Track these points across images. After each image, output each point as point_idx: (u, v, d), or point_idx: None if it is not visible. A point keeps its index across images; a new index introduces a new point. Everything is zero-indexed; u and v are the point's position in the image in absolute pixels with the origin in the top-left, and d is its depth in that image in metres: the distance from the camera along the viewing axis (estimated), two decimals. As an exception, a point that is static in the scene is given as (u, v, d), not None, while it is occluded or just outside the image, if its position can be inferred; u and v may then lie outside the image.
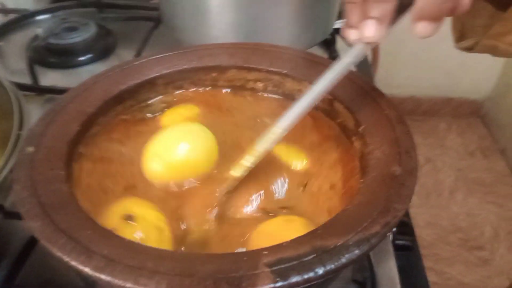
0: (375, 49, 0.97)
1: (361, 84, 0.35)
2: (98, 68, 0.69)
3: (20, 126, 0.37)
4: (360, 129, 0.32)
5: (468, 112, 1.93)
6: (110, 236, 0.23)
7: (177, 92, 0.40)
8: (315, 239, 0.23)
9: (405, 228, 0.45)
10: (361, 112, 0.33)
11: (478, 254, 1.38)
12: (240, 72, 0.40)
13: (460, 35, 0.44)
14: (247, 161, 0.31)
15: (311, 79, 0.37)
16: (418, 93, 1.89)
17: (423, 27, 0.28)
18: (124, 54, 0.71)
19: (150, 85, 0.39)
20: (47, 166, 0.28)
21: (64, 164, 0.29)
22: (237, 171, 0.31)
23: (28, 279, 0.38)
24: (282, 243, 0.23)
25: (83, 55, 0.68)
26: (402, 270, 0.44)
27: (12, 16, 0.76)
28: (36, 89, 0.60)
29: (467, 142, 1.83)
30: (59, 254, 0.22)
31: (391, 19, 0.30)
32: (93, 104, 0.34)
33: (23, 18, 0.76)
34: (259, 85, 0.41)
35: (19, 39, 0.73)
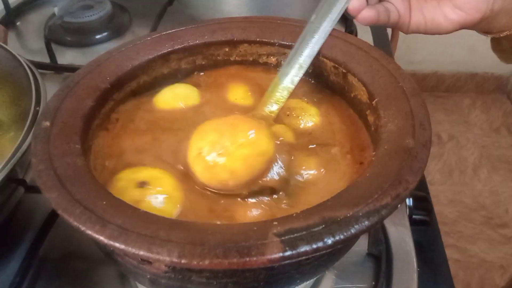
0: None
1: (376, 57, 0.34)
2: (114, 46, 0.69)
3: (38, 103, 0.38)
4: (374, 102, 0.31)
5: (492, 88, 1.87)
6: (124, 206, 0.24)
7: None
8: (325, 210, 0.23)
9: (423, 203, 0.44)
10: (375, 84, 0.32)
11: (502, 231, 1.37)
12: (252, 47, 0.40)
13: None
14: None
15: (324, 53, 0.37)
16: (441, 69, 1.84)
17: None
18: (139, 32, 0.71)
19: (163, 61, 0.39)
20: (63, 140, 0.28)
21: (79, 138, 0.29)
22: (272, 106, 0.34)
23: (51, 251, 0.39)
24: (292, 214, 0.23)
25: (99, 33, 0.69)
26: (419, 245, 0.44)
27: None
28: (54, 68, 0.61)
29: (492, 118, 1.78)
30: (75, 223, 0.23)
31: None
32: (107, 79, 0.34)
33: (41, -4, 0.76)
34: (272, 59, 0.40)
35: (36, 19, 0.74)
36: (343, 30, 0.67)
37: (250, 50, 0.40)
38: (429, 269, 0.43)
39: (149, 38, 0.39)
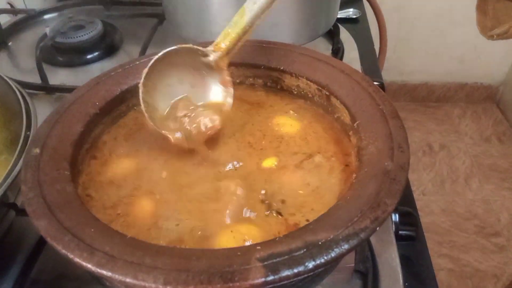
0: (382, 38, 0.96)
1: (357, 80, 0.35)
2: (106, 65, 0.70)
3: (28, 127, 0.38)
4: (355, 124, 0.33)
5: (482, 98, 1.90)
6: (111, 233, 0.25)
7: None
8: (306, 234, 0.24)
9: (409, 218, 0.45)
10: (356, 107, 0.33)
11: (494, 240, 1.38)
12: (239, 69, 0.41)
13: (493, 24, 0.44)
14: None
15: (308, 75, 0.38)
16: (431, 80, 1.87)
17: None
18: (131, 51, 0.72)
19: (151, 84, 0.40)
20: (53, 167, 0.29)
21: (69, 164, 0.30)
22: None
23: (43, 273, 0.40)
24: (275, 239, 0.24)
25: (91, 53, 0.70)
26: (407, 259, 0.44)
27: (20, 16, 0.77)
28: (45, 88, 0.62)
29: (482, 127, 1.81)
30: (63, 251, 0.23)
31: None
32: (96, 105, 0.35)
33: (31, 18, 0.77)
34: (258, 81, 0.41)
35: (28, 39, 0.75)
36: (330, 46, 0.69)
37: (237, 73, 0.41)
38: (417, 283, 0.44)
39: (137, 62, 0.40)
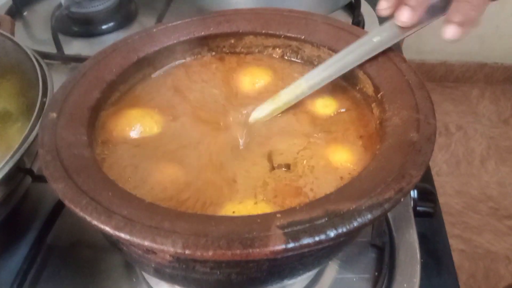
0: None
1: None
2: (121, 36, 0.69)
3: (45, 94, 0.38)
4: (379, 95, 0.31)
5: (502, 78, 1.85)
6: (129, 197, 0.24)
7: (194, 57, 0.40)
8: (328, 204, 0.23)
9: (427, 195, 0.44)
10: (380, 77, 0.32)
11: (508, 223, 1.36)
12: (258, 38, 0.40)
13: None
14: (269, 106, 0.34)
15: (330, 45, 0.37)
16: (450, 59, 1.82)
17: (452, 30, 0.31)
18: (146, 21, 0.71)
19: (168, 52, 0.39)
20: (70, 131, 0.29)
21: (86, 129, 0.30)
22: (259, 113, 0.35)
23: (59, 239, 0.40)
24: (295, 207, 0.23)
25: (106, 23, 0.69)
26: (423, 236, 0.44)
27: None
28: (61, 58, 0.62)
29: (501, 109, 1.77)
30: (81, 214, 0.23)
31: (423, 13, 0.33)
32: (113, 71, 0.35)
33: (47, -13, 0.76)
34: (277, 51, 0.40)
35: (43, 9, 0.74)
36: (350, 20, 0.67)
37: (255, 42, 0.40)
38: (433, 260, 0.43)
39: (154, 30, 0.39)
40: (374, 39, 0.34)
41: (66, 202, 0.24)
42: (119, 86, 0.36)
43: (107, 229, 0.22)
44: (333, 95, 0.36)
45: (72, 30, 0.68)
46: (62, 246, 0.40)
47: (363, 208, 0.22)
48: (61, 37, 0.63)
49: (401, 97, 0.30)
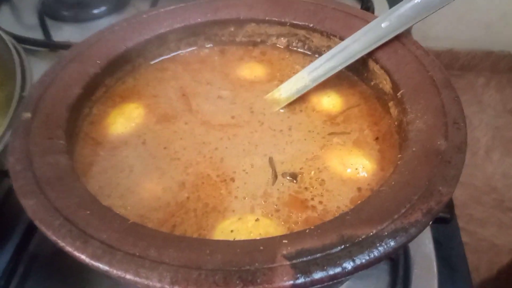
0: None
1: (401, 40, 0.30)
2: (114, 21, 0.65)
3: (23, 87, 0.34)
4: (399, 93, 0.28)
5: (508, 67, 1.81)
6: (110, 217, 0.21)
7: (190, 49, 0.36)
8: (343, 227, 0.20)
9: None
10: (400, 73, 0.28)
11: (513, 215, 1.34)
12: (261, 26, 0.36)
13: None
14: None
15: (342, 35, 0.33)
16: (455, 46, 1.77)
17: None
18: (141, 5, 0.66)
19: (160, 41, 0.35)
20: (45, 134, 0.25)
21: (64, 132, 0.26)
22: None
23: (42, 247, 0.37)
24: (305, 230, 0.20)
25: (97, 7, 0.64)
26: (438, 243, 0.41)
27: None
28: (48, 45, 0.57)
29: (506, 98, 1.73)
30: (53, 238, 0.20)
31: None
32: (97, 64, 0.31)
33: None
34: (282, 40, 0.36)
35: (32, -8, 0.70)
36: (359, 6, 0.62)
37: (258, 31, 0.36)
38: (447, 269, 0.40)
39: (145, 16, 0.35)
40: (383, 24, 0.30)
41: (37, 223, 0.20)
42: (105, 79, 0.32)
43: (83, 257, 0.19)
44: (342, 90, 0.33)
45: (62, 14, 0.64)
46: (46, 254, 0.36)
47: (386, 234, 0.19)
48: (50, 22, 0.59)
49: (424, 97, 0.26)
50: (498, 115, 1.68)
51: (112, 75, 0.33)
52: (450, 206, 0.41)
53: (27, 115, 0.26)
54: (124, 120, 0.30)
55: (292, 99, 0.31)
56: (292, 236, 0.19)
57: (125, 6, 0.66)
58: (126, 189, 0.26)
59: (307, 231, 0.20)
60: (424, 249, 0.36)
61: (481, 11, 1.57)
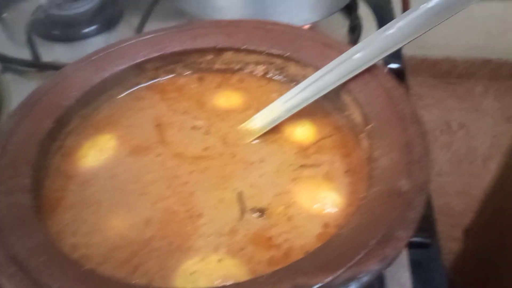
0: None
1: (373, 72, 0.30)
2: (104, 39, 0.65)
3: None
4: (368, 127, 0.28)
5: (507, 75, 1.80)
6: (66, 264, 0.21)
7: (169, 76, 0.37)
8: (297, 274, 0.20)
9: (423, 222, 0.41)
10: (370, 106, 0.28)
11: (510, 226, 1.33)
12: (238, 55, 0.36)
13: None
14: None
15: (316, 65, 0.33)
16: (453, 54, 1.77)
17: None
18: (132, 23, 0.66)
19: (138, 70, 0.35)
20: (10, 173, 0.25)
21: (32, 168, 0.26)
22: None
23: None
24: (257, 278, 0.20)
25: (87, 26, 0.65)
26: (418, 265, 0.40)
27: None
28: (37, 65, 0.58)
29: (505, 106, 1.72)
30: (6, 285, 0.19)
31: None
32: (71, 95, 0.31)
33: (27, -14, 0.72)
34: (260, 68, 0.36)
35: (25, 10, 0.70)
36: (347, 23, 0.63)
37: (236, 58, 0.36)
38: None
39: (123, 45, 0.35)
40: (355, 56, 0.30)
41: (-8, 268, 0.20)
42: (80, 111, 0.32)
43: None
44: (316, 119, 0.33)
45: (52, 34, 0.64)
46: None
47: (338, 283, 0.19)
48: (40, 42, 0.59)
49: (392, 133, 0.26)
50: (496, 123, 1.67)
51: (87, 106, 0.33)
52: (431, 229, 0.41)
53: (-5, 152, 0.26)
54: (96, 152, 0.31)
55: (265, 130, 0.31)
56: (244, 285, 0.19)
57: (116, 24, 0.67)
58: (92, 226, 0.26)
59: (259, 279, 0.20)
60: (398, 278, 0.36)
61: (479, 19, 1.57)
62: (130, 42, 0.35)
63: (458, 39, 1.70)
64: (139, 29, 0.58)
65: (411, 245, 0.39)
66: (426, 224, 0.40)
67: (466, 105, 1.76)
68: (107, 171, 0.30)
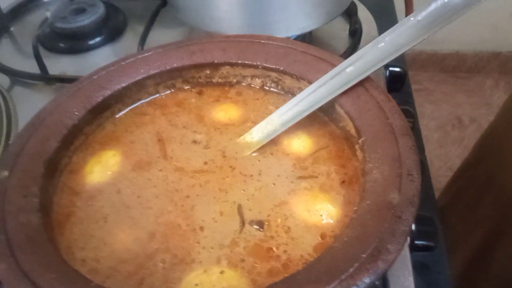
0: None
1: (365, 85, 0.31)
2: (109, 50, 0.67)
3: (9, 135, 0.36)
4: (360, 141, 0.28)
5: (517, 68, 1.79)
6: (75, 279, 0.22)
7: (169, 91, 0.38)
8: (293, 287, 0.20)
9: (428, 225, 0.41)
10: (362, 119, 0.29)
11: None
12: (235, 69, 0.37)
13: None
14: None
15: (309, 78, 0.33)
16: (462, 48, 1.76)
17: None
18: (135, 34, 0.68)
19: (139, 87, 0.36)
20: (20, 192, 0.26)
21: (39, 188, 0.27)
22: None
23: None
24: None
25: (92, 38, 0.66)
26: (423, 267, 0.41)
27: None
28: (44, 78, 0.59)
29: (516, 100, 1.70)
30: (18, 303, 0.21)
31: None
32: (74, 115, 0.32)
33: (33, 0, 0.74)
34: (257, 81, 0.37)
35: (31, 23, 0.71)
36: (347, 27, 0.63)
37: (233, 72, 0.37)
38: (432, 293, 0.41)
39: (123, 63, 0.36)
40: (348, 69, 0.31)
41: (5, 286, 0.22)
42: (84, 128, 0.34)
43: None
44: (313, 130, 0.33)
45: (58, 46, 0.66)
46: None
47: (330, 296, 0.20)
48: (46, 54, 0.61)
49: (382, 146, 0.26)
50: (507, 117, 1.65)
51: (91, 123, 0.34)
52: (434, 233, 0.42)
53: (4, 173, 0.27)
54: (101, 168, 0.32)
55: (262, 144, 0.32)
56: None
57: (120, 35, 0.68)
58: (99, 240, 0.27)
59: (258, 291, 0.21)
60: (403, 281, 0.36)
61: (487, 12, 1.56)
62: (130, 60, 0.37)
63: (467, 33, 1.68)
64: (143, 39, 0.59)
65: (415, 248, 0.39)
66: (430, 227, 0.40)
67: (476, 99, 1.74)
68: (112, 187, 0.31)
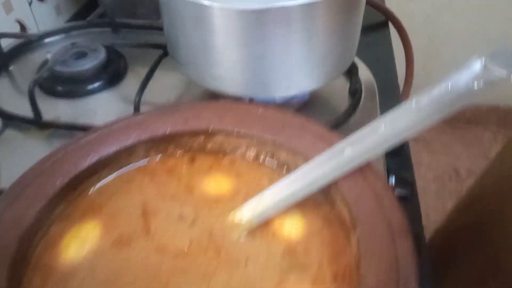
0: (409, 63, 0.88)
1: (363, 169, 0.29)
2: (107, 96, 0.66)
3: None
4: (356, 231, 0.27)
5: (515, 122, 1.80)
6: None
7: (160, 155, 0.36)
8: None
9: (404, 180, 0.42)
10: (358, 209, 0.27)
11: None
12: (230, 137, 0.36)
13: None
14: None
15: (307, 154, 0.32)
16: (461, 100, 1.77)
17: None
18: (136, 80, 0.67)
19: (129, 152, 0.35)
20: (-15, 276, 0.24)
21: (7, 270, 0.25)
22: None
23: None
24: None
25: (92, 83, 0.65)
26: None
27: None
28: (37, 123, 0.58)
29: (514, 154, 1.70)
30: None
31: None
32: (58, 182, 0.31)
33: (35, 40, 0.74)
34: (251, 152, 0.36)
35: (31, 62, 0.71)
36: (347, 87, 0.63)
37: (227, 141, 0.36)
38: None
39: (113, 126, 0.35)
40: (345, 152, 0.29)
41: None
42: (66, 196, 0.32)
43: None
44: (306, 211, 0.32)
45: (56, 89, 0.65)
46: None
47: None
48: (43, 97, 0.60)
49: (379, 246, 0.25)
50: (506, 171, 1.64)
51: (74, 190, 0.33)
52: (411, 184, 0.41)
53: (-28, 250, 0.25)
54: (78, 243, 0.30)
55: (252, 226, 0.31)
56: None
57: (120, 80, 0.68)
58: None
59: None
60: None
61: (486, 65, 1.58)
62: (121, 124, 0.35)
63: (466, 85, 1.70)
64: (141, 90, 0.58)
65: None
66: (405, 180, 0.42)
67: (474, 152, 1.74)
68: (88, 263, 0.29)
